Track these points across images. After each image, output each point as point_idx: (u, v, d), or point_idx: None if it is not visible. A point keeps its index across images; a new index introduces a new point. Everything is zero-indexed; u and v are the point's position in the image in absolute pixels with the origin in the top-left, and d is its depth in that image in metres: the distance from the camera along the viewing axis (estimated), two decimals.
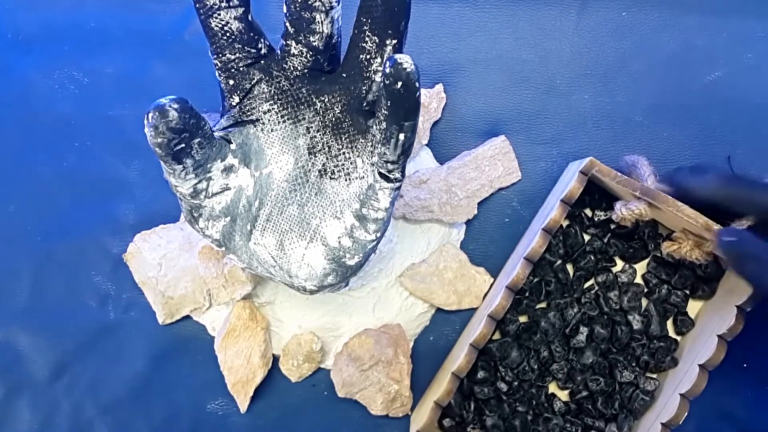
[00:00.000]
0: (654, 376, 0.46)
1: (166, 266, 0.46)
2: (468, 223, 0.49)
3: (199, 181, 0.36)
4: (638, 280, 0.47)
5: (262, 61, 0.36)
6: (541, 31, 0.50)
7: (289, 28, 0.35)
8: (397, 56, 0.30)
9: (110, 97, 0.50)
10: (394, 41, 0.34)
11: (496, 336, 0.46)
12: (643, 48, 0.50)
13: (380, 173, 0.35)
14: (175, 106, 0.32)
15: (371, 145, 0.36)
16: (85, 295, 0.48)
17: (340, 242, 0.37)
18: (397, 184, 0.36)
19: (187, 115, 0.33)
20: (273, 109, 0.38)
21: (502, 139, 0.48)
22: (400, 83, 0.30)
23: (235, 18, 0.34)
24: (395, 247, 0.47)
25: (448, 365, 0.45)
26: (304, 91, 0.37)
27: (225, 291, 0.45)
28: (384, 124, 0.33)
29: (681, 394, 0.42)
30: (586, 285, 0.47)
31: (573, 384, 0.46)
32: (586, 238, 0.47)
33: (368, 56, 0.34)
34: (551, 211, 0.41)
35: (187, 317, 0.48)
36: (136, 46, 0.51)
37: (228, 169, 0.37)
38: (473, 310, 0.48)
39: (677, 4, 0.50)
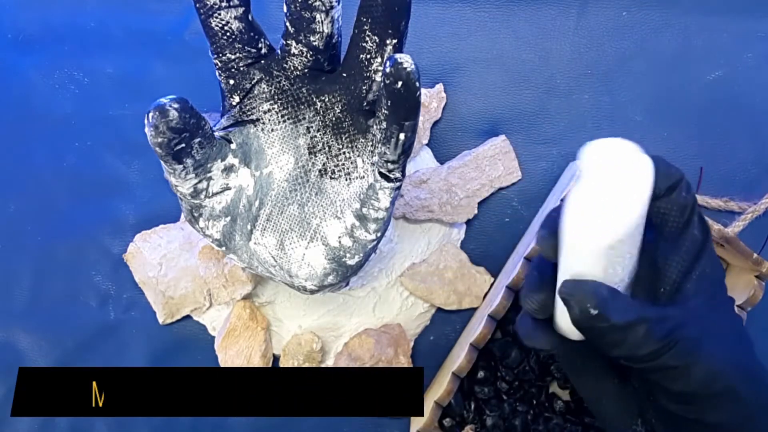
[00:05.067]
0: None
1: (167, 266, 0.46)
2: (468, 222, 0.49)
3: (200, 181, 0.36)
4: None
5: (263, 61, 0.36)
6: (541, 31, 0.50)
7: (290, 27, 0.35)
8: (398, 56, 0.30)
9: (110, 97, 0.50)
10: (395, 41, 0.34)
11: (497, 336, 0.46)
12: (643, 48, 0.50)
13: (380, 173, 0.35)
14: (176, 105, 0.32)
15: (371, 145, 0.36)
16: (85, 295, 0.48)
17: (340, 242, 0.37)
18: (398, 184, 0.36)
19: (187, 115, 0.33)
20: (273, 108, 0.37)
21: (502, 139, 0.48)
22: (400, 83, 0.30)
23: (235, 18, 0.34)
24: (395, 247, 0.47)
25: (448, 365, 0.45)
26: (305, 91, 0.37)
27: (225, 291, 0.45)
28: (384, 124, 0.33)
29: None
30: None
31: None
32: None
33: (368, 56, 0.34)
34: None
35: (188, 317, 0.48)
36: (136, 46, 0.51)
37: (228, 169, 0.37)
38: (473, 309, 0.48)
39: (677, 4, 0.50)
